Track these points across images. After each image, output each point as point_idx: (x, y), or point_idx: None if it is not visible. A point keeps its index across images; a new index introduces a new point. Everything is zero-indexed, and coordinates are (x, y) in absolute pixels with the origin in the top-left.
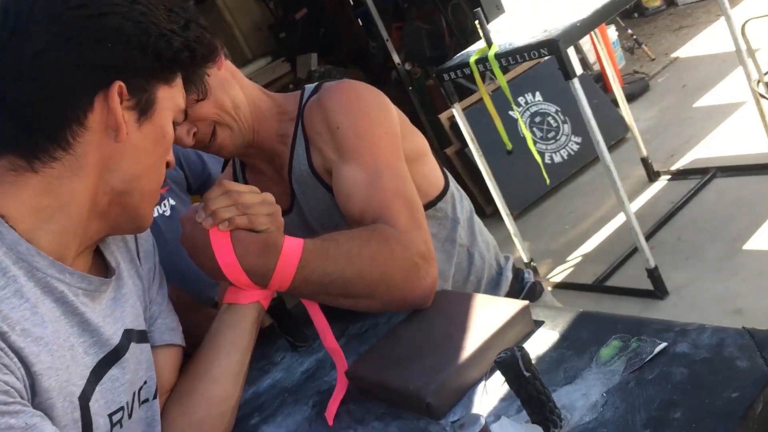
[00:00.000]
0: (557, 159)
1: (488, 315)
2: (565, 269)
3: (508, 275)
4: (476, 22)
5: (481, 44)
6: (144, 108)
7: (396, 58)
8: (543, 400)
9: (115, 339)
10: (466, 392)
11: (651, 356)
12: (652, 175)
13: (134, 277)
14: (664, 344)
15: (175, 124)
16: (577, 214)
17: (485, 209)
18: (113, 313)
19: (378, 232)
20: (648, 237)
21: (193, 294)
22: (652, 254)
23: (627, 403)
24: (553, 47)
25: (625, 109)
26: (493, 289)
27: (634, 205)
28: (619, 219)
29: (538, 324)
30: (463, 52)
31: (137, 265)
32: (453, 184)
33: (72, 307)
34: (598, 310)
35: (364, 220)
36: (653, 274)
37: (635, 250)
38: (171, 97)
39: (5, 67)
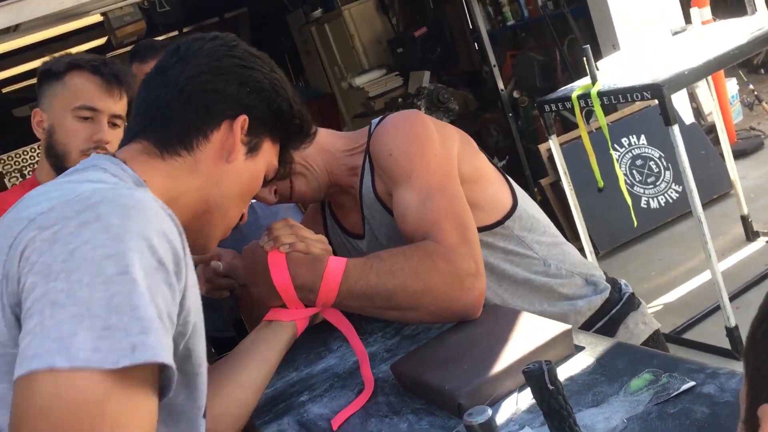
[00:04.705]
0: (654, 204)
1: (531, 332)
2: None
3: (602, 284)
4: (584, 58)
5: (587, 80)
6: (252, 148)
7: (500, 85)
8: (564, 414)
9: None
10: (498, 400)
11: (677, 392)
12: (751, 235)
13: None
14: (692, 383)
15: (265, 179)
16: (665, 262)
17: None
18: None
19: (422, 247)
20: (735, 296)
21: None
22: (737, 314)
23: (645, 431)
24: (656, 91)
25: (730, 163)
26: (587, 297)
27: (727, 262)
28: (708, 273)
29: (579, 349)
30: (568, 85)
31: None
32: (525, 205)
33: None
34: None
35: (415, 239)
36: (732, 333)
37: (718, 307)
38: (270, 154)
39: (167, 81)
